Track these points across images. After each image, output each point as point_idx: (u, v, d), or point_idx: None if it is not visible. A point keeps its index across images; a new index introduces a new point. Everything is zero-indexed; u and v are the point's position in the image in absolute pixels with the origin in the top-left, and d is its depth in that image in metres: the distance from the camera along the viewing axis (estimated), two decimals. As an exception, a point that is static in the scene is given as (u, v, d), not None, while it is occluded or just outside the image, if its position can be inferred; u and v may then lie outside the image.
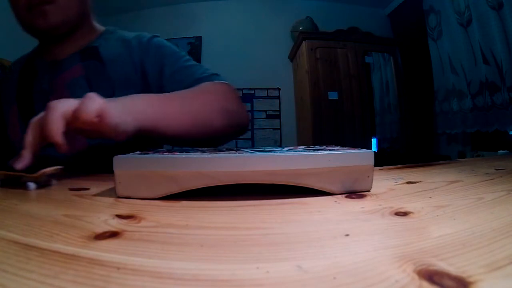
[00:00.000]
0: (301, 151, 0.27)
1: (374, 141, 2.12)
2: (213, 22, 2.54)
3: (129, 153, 0.27)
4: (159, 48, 0.56)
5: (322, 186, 0.25)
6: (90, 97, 0.31)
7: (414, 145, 2.11)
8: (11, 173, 0.30)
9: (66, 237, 0.16)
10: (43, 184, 0.31)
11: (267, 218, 0.19)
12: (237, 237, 0.16)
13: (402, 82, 2.16)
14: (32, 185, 0.30)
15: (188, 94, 0.47)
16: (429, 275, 0.11)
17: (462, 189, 0.27)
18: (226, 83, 0.53)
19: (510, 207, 0.20)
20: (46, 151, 0.33)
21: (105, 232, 0.17)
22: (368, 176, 0.26)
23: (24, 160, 0.30)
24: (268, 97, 2.47)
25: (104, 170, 0.36)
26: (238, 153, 0.26)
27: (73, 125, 0.30)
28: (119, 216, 0.20)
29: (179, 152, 0.27)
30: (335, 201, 0.23)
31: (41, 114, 0.31)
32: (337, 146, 0.33)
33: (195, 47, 2.52)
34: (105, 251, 0.14)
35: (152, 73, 0.53)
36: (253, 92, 2.46)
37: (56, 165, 0.32)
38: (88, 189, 0.29)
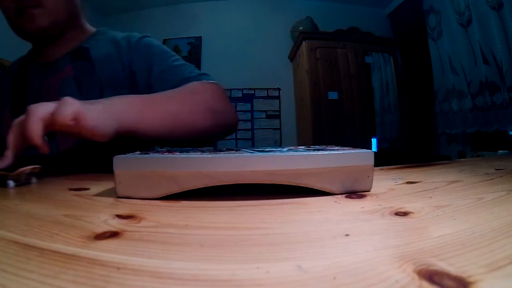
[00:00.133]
0: (301, 151, 0.27)
1: (374, 141, 2.12)
2: (213, 22, 2.54)
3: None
4: (148, 48, 0.56)
5: (322, 186, 0.25)
6: (65, 101, 0.32)
7: (414, 145, 2.11)
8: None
9: (66, 237, 0.16)
10: (23, 182, 0.32)
11: (267, 218, 0.19)
12: (237, 237, 0.16)
13: (402, 82, 2.16)
14: (11, 183, 0.31)
15: (172, 94, 0.47)
16: (429, 275, 0.11)
17: (462, 189, 0.27)
18: (214, 83, 0.53)
19: (510, 207, 0.20)
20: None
21: (105, 232, 0.17)
22: (368, 176, 0.26)
23: (6, 160, 0.32)
24: (268, 97, 2.47)
25: (104, 170, 0.36)
26: (238, 153, 0.26)
27: (52, 127, 0.32)
28: (119, 216, 0.20)
29: (179, 152, 0.27)
30: (335, 201, 0.23)
31: (22, 117, 0.32)
32: (337, 146, 0.33)
33: (195, 47, 2.52)
34: (105, 251, 0.14)
35: (140, 73, 0.54)
36: (253, 92, 2.46)
37: (51, 164, 0.34)
38: (88, 189, 0.29)
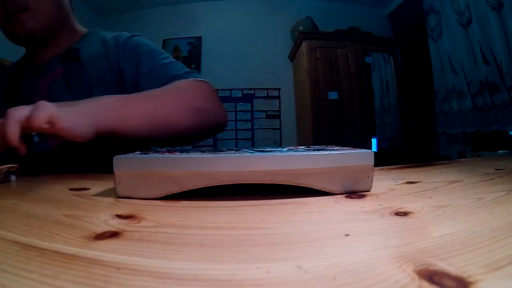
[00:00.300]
0: (301, 151, 0.27)
1: (374, 141, 2.12)
2: (213, 22, 2.54)
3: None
4: (136, 47, 0.56)
5: (322, 186, 0.25)
6: (39, 105, 0.34)
7: (414, 145, 2.11)
8: None
9: (66, 237, 0.16)
10: (2, 180, 0.35)
11: (267, 218, 0.19)
12: (237, 237, 0.16)
13: (402, 82, 2.16)
14: None
15: (154, 93, 0.47)
16: (429, 275, 0.11)
17: (462, 189, 0.27)
18: (202, 80, 0.53)
19: (510, 207, 0.20)
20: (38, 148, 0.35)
21: (105, 232, 0.17)
22: (368, 176, 0.26)
23: None
24: (268, 97, 2.47)
25: (104, 170, 0.36)
26: (238, 153, 0.26)
27: (28, 130, 0.33)
28: (119, 216, 0.20)
29: (179, 152, 0.27)
30: (335, 201, 0.23)
31: (0, 121, 0.34)
32: (337, 146, 0.33)
33: (195, 47, 2.52)
34: (105, 251, 0.14)
35: (128, 71, 0.54)
36: (253, 92, 2.46)
37: (46, 160, 0.36)
38: (88, 189, 0.29)
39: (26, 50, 0.60)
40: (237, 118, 2.43)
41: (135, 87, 0.52)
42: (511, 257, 0.12)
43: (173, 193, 0.24)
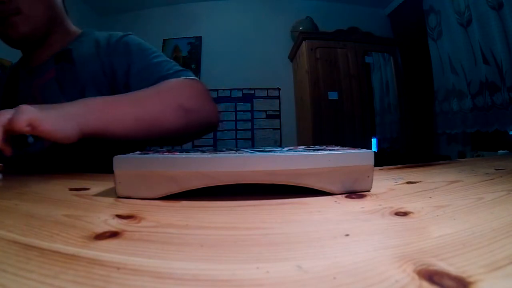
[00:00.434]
0: (301, 151, 0.27)
1: (374, 141, 2.12)
2: (213, 22, 2.54)
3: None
4: (128, 46, 0.55)
5: (322, 186, 0.25)
6: (20, 109, 0.35)
7: (414, 145, 2.11)
8: None
9: (66, 237, 0.16)
10: None
11: (267, 218, 0.19)
12: (237, 237, 0.16)
13: (402, 82, 2.16)
14: None
15: (142, 94, 0.46)
16: (429, 275, 0.11)
17: (462, 189, 0.27)
18: (192, 79, 0.52)
19: (510, 207, 0.20)
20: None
21: (105, 232, 0.17)
22: (368, 176, 0.26)
23: None
24: (268, 97, 2.47)
25: (104, 170, 0.37)
26: (238, 153, 0.26)
27: (12, 133, 0.34)
28: (119, 216, 0.20)
29: (179, 152, 0.27)
30: (335, 201, 0.23)
31: None
32: (337, 146, 0.33)
33: (195, 47, 2.52)
34: (105, 251, 0.14)
35: (120, 72, 0.53)
36: (253, 92, 2.46)
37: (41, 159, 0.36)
38: (88, 189, 0.29)
39: (22, 52, 0.60)
40: (237, 118, 2.43)
41: (126, 87, 0.52)
42: (511, 257, 0.12)
43: (173, 193, 0.24)
